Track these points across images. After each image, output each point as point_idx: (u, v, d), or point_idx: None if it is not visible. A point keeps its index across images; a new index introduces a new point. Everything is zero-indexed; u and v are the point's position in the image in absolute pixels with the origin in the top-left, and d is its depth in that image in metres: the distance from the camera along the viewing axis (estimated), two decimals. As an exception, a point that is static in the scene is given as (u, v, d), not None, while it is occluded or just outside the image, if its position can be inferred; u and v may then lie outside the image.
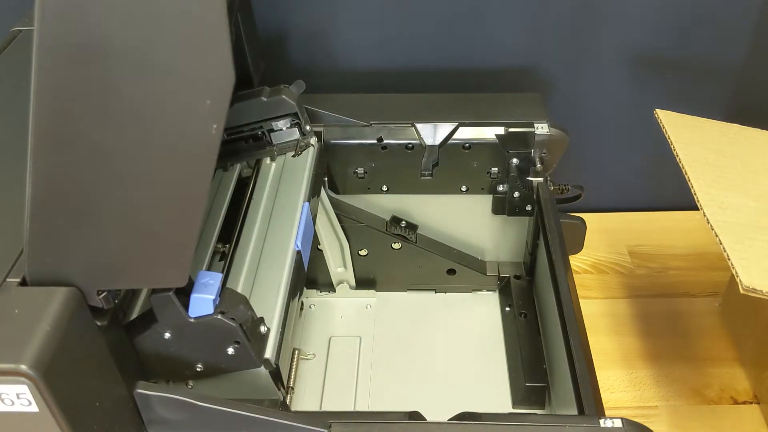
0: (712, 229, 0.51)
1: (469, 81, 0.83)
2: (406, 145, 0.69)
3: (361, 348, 0.67)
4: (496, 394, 0.68)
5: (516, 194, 0.70)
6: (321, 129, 0.68)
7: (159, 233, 0.39)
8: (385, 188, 0.73)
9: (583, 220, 0.74)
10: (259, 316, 0.49)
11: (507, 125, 0.68)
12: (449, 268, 0.77)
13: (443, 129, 0.69)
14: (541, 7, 0.78)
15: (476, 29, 0.80)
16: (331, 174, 0.71)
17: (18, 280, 0.40)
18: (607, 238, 0.88)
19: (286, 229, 0.59)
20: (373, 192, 0.73)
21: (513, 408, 0.67)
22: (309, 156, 0.66)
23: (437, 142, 0.69)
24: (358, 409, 0.58)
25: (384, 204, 0.75)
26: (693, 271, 0.82)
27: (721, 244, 0.50)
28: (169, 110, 0.36)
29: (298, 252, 0.57)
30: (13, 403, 0.37)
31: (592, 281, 0.82)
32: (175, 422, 0.45)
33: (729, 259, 0.49)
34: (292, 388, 0.57)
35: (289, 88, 0.64)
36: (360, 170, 0.71)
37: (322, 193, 0.70)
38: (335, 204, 0.73)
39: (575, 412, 0.50)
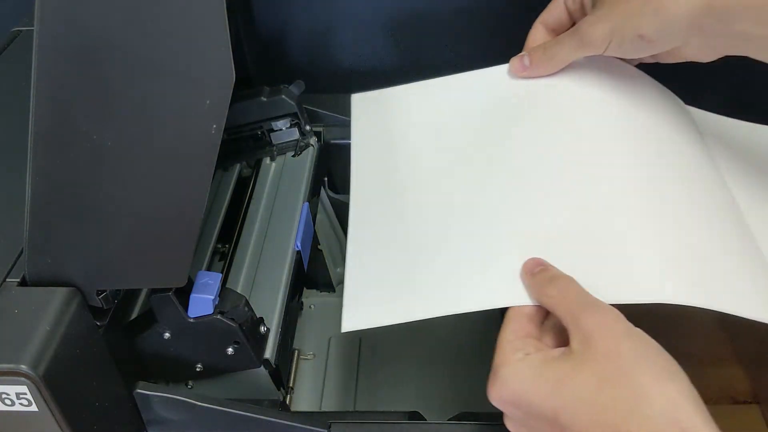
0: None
1: (469, 81, 0.83)
2: (406, 145, 0.69)
3: (361, 348, 0.67)
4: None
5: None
6: (321, 129, 0.68)
7: (159, 233, 0.39)
8: (385, 188, 0.72)
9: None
10: (259, 316, 0.50)
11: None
12: (449, 268, 0.77)
13: (443, 129, 0.68)
14: (541, 7, 0.78)
15: (477, 29, 0.80)
16: (331, 174, 0.71)
17: (18, 280, 0.40)
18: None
19: (286, 229, 0.59)
20: (373, 192, 0.73)
21: (513, 408, 0.67)
22: (309, 156, 0.66)
23: (437, 142, 0.69)
24: (358, 409, 0.58)
25: (384, 204, 0.74)
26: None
27: None
28: (169, 110, 0.36)
29: (298, 252, 0.57)
30: (13, 403, 0.37)
31: (592, 281, 0.82)
32: (175, 422, 0.45)
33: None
34: (292, 388, 0.57)
35: (289, 88, 0.64)
36: (360, 170, 0.71)
37: (322, 193, 0.70)
38: (335, 204, 0.73)
39: (575, 412, 0.50)
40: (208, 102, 0.35)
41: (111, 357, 0.42)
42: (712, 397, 0.68)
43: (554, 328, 0.40)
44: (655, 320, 0.77)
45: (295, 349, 0.60)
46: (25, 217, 0.38)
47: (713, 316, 0.45)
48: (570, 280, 0.40)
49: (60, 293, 0.39)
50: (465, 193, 0.47)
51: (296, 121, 0.65)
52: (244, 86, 0.65)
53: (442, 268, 0.44)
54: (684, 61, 0.47)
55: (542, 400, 0.36)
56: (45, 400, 0.37)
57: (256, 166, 0.66)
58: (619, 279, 0.40)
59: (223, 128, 0.36)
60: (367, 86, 0.83)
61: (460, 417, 0.48)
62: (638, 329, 0.38)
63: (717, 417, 0.68)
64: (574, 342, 0.37)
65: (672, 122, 0.50)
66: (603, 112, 0.48)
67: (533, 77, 0.50)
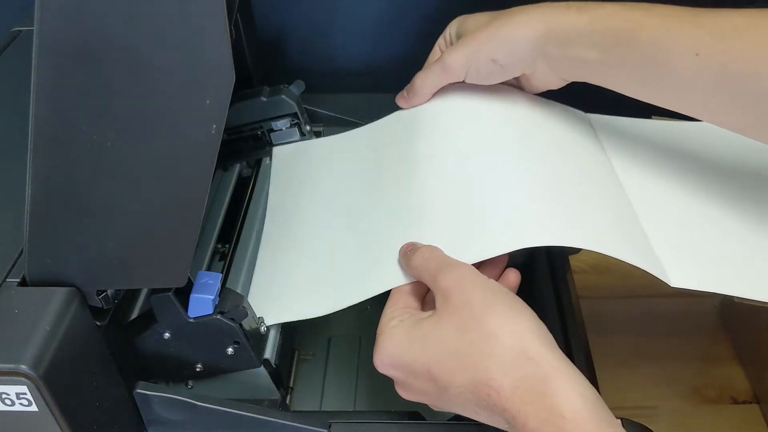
0: None
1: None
2: (405, 145, 0.69)
3: (361, 348, 0.67)
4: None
5: (516, 194, 0.70)
6: (321, 129, 0.68)
7: (159, 233, 0.39)
8: (384, 188, 0.73)
9: (582, 220, 0.74)
10: (259, 316, 0.50)
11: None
12: (449, 268, 0.76)
13: (443, 129, 0.68)
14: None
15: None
16: (331, 174, 0.71)
17: (18, 280, 0.40)
18: (606, 238, 0.88)
19: (286, 229, 0.59)
20: (372, 192, 0.73)
21: (513, 408, 0.66)
22: (309, 156, 0.66)
23: (437, 142, 0.69)
24: (358, 409, 0.58)
25: (384, 204, 0.74)
26: (693, 271, 0.82)
27: None
28: (169, 110, 0.36)
29: (298, 252, 0.57)
30: (13, 403, 0.37)
31: (592, 281, 0.82)
32: (175, 422, 0.45)
33: None
34: (292, 388, 0.57)
35: (289, 88, 0.64)
36: (360, 170, 0.71)
37: (322, 193, 0.70)
38: (335, 204, 0.72)
39: (575, 412, 0.50)
40: (208, 102, 0.35)
41: (111, 357, 0.42)
42: (712, 397, 0.68)
43: (432, 300, 0.43)
44: (655, 320, 0.77)
45: (295, 349, 0.60)
46: (25, 217, 0.38)
47: (713, 315, 0.45)
48: (432, 249, 0.44)
49: (60, 293, 0.39)
50: (360, 217, 0.53)
51: (296, 121, 0.65)
52: (244, 86, 0.65)
53: (331, 275, 0.50)
54: (539, 90, 0.55)
55: (414, 357, 0.40)
56: (45, 400, 0.37)
57: (256, 166, 0.66)
58: (504, 231, 0.46)
59: (223, 128, 0.36)
60: (367, 86, 0.83)
61: (459, 417, 0.48)
62: (491, 280, 0.42)
63: (717, 417, 0.68)
64: (437, 301, 0.41)
65: (552, 121, 0.57)
66: (475, 120, 0.55)
67: (415, 106, 0.57)
